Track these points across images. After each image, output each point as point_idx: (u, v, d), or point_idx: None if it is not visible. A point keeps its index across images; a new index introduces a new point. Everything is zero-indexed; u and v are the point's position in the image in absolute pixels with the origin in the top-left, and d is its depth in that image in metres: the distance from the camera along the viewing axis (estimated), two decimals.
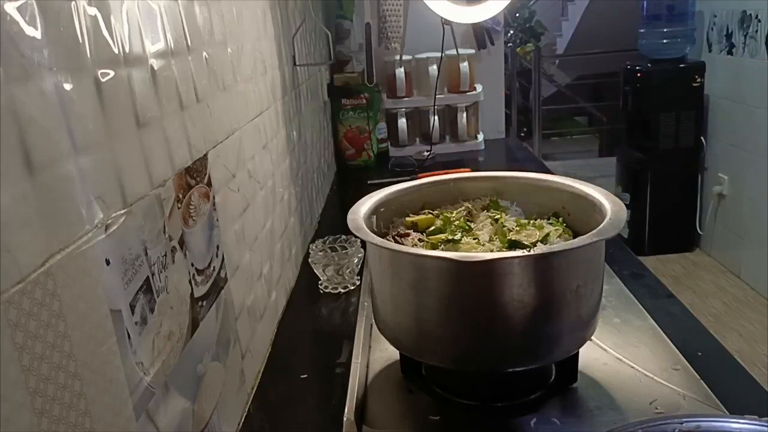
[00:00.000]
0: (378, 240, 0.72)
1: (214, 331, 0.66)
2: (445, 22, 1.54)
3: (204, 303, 0.63)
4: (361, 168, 1.97)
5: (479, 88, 2.08)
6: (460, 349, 0.70)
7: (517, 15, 4.63)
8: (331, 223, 1.46)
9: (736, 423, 0.56)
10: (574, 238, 0.74)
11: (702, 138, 3.10)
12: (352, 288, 1.07)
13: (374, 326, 0.80)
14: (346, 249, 1.06)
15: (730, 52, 2.89)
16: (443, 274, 0.68)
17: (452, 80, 2.06)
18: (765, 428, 0.54)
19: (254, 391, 0.80)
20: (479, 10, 1.35)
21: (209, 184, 0.67)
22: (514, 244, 0.73)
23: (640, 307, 0.92)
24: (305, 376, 0.84)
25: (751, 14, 2.71)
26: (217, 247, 0.69)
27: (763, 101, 2.64)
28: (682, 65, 3.06)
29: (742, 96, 2.81)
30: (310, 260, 1.07)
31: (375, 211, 0.83)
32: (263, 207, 0.92)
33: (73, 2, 0.42)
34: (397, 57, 1.99)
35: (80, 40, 0.42)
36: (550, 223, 0.80)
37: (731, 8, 2.85)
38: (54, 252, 0.37)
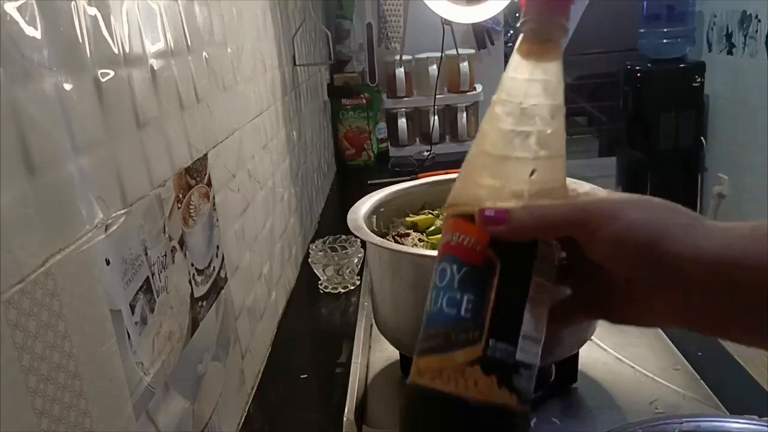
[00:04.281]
0: (378, 240, 0.72)
1: (214, 331, 0.66)
2: (445, 22, 1.54)
3: (204, 303, 0.63)
4: (361, 168, 1.97)
5: (479, 88, 2.08)
6: None
7: (517, 15, 4.64)
8: (331, 223, 1.46)
9: (736, 423, 0.56)
10: None
11: (702, 138, 3.10)
12: (352, 288, 1.07)
13: (374, 326, 0.80)
14: (346, 249, 1.06)
15: (730, 52, 2.89)
16: None
17: (452, 80, 2.06)
18: (765, 428, 0.54)
19: (254, 391, 0.80)
20: (479, 10, 1.35)
21: (209, 184, 0.67)
22: None
23: None
24: (305, 376, 0.84)
25: (751, 14, 2.71)
26: (217, 247, 0.69)
27: (763, 101, 2.64)
28: (682, 65, 3.06)
29: (742, 96, 2.81)
30: (310, 260, 1.07)
31: (375, 211, 0.83)
32: (263, 207, 0.92)
33: (73, 2, 0.42)
34: (397, 57, 1.98)
35: (80, 40, 0.42)
36: None
37: (731, 8, 2.85)
38: (54, 252, 0.37)
